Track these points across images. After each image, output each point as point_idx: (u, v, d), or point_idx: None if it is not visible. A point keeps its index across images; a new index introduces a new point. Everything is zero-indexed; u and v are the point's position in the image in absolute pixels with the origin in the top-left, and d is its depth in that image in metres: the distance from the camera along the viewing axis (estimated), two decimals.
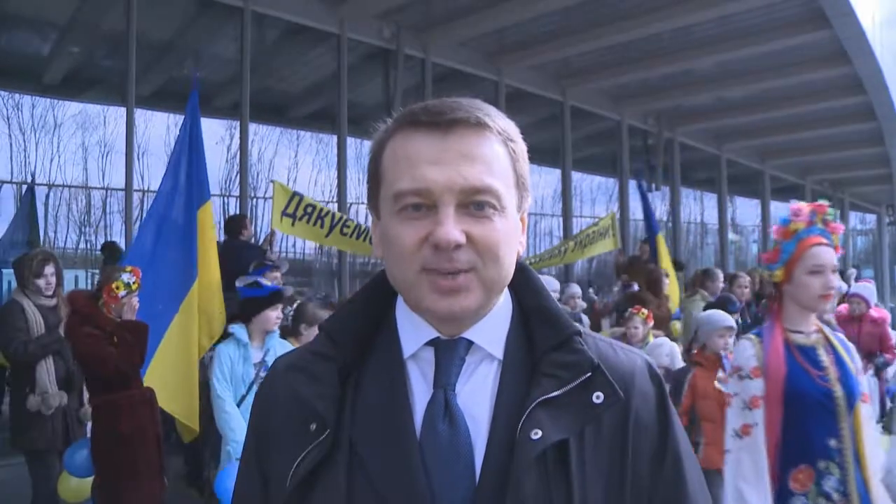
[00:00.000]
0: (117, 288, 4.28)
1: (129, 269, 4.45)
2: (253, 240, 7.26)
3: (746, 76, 11.20)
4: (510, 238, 0.97)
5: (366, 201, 1.06)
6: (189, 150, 5.22)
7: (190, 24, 8.69)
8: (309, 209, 6.55)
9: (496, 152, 0.96)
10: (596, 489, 0.93)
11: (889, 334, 6.79)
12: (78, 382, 4.78)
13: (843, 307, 6.92)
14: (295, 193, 6.56)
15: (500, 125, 0.98)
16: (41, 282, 4.74)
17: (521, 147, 1.01)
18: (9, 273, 8.19)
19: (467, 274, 0.93)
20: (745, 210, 17.88)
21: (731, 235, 16.57)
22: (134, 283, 4.34)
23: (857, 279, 9.81)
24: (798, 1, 8.71)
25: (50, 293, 4.80)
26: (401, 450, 0.93)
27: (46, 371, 4.61)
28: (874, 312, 6.83)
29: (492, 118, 0.97)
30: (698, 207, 16.34)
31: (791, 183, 18.65)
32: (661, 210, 14.73)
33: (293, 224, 6.48)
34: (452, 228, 0.91)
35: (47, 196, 8.42)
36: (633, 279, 8.69)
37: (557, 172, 12.04)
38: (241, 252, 6.52)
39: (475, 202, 0.93)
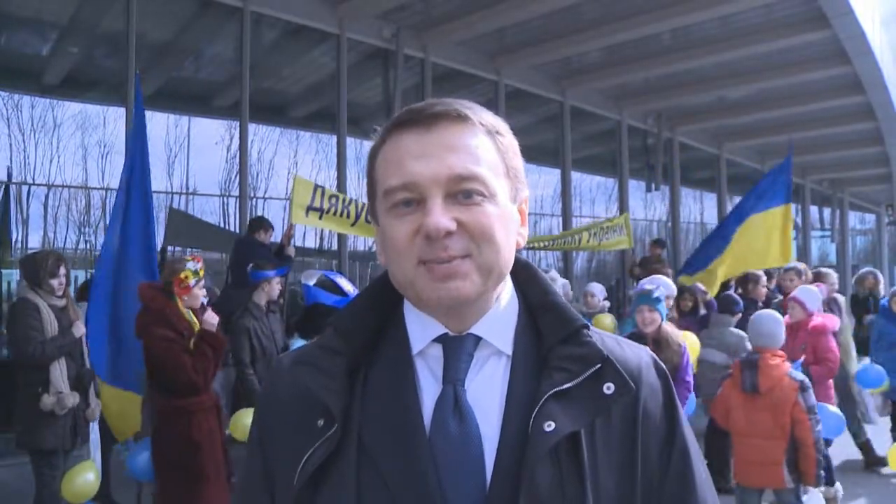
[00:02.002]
0: (186, 278, 4.26)
1: (190, 257, 4.46)
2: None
3: (746, 76, 11.22)
4: (504, 223, 0.97)
5: (367, 209, 1.07)
6: (140, 151, 5.22)
7: (189, 25, 8.69)
8: (333, 200, 6.53)
9: (480, 142, 0.97)
10: (608, 480, 0.94)
11: (827, 345, 5.54)
12: (86, 383, 4.79)
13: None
14: (317, 186, 6.50)
15: (483, 118, 0.99)
16: (55, 282, 4.74)
17: (510, 140, 1.02)
18: (8, 273, 8.22)
19: (463, 260, 0.94)
20: None
21: None
22: (200, 269, 4.35)
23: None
24: (797, 1, 8.72)
25: (61, 293, 4.80)
26: (411, 446, 0.93)
27: (60, 371, 4.59)
28: (818, 319, 5.68)
29: (474, 112, 0.99)
30: (698, 207, 16.37)
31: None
32: (660, 210, 14.74)
33: (321, 217, 6.43)
34: (440, 216, 0.92)
35: (47, 196, 8.42)
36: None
37: (557, 172, 12.05)
38: (252, 248, 6.56)
39: (463, 191, 0.94)
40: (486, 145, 0.98)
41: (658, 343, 4.65)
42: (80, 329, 4.73)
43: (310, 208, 6.34)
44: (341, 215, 6.57)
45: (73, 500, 4.46)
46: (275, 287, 5.59)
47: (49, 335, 4.59)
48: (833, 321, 5.91)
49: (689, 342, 5.31)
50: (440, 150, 0.94)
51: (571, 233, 9.35)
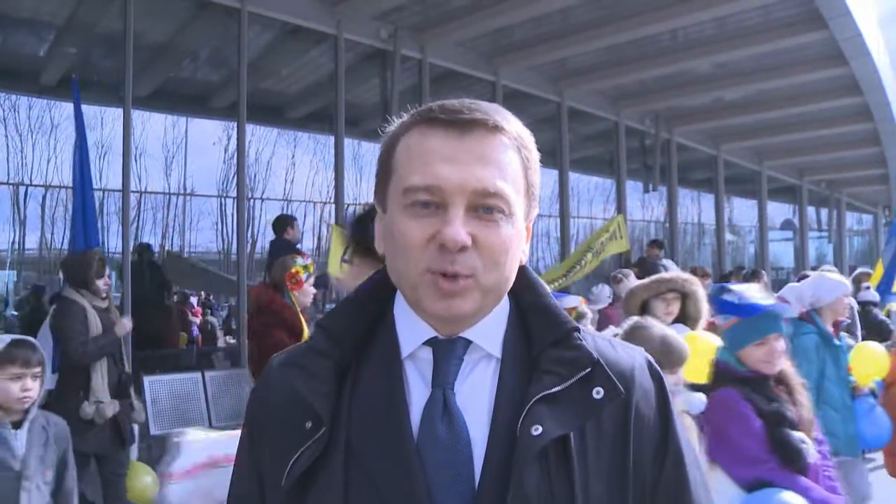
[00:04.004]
0: (297, 273, 4.36)
1: (299, 254, 4.54)
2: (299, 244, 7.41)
3: (743, 77, 11.22)
4: (514, 245, 0.97)
5: (372, 194, 1.06)
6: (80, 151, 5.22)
7: (187, 25, 8.68)
8: None
9: (510, 158, 0.97)
10: (598, 484, 0.93)
11: None
12: (127, 386, 4.73)
13: None
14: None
15: (515, 131, 0.99)
16: (101, 283, 4.73)
17: (535, 156, 1.01)
18: (4, 275, 8.21)
19: (466, 279, 0.93)
20: (743, 210, 17.91)
21: (728, 236, 16.58)
22: (310, 265, 4.48)
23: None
24: (795, 2, 8.73)
25: (104, 295, 4.78)
26: (399, 450, 0.93)
27: (101, 377, 4.51)
28: None
29: (509, 123, 0.98)
30: (695, 208, 16.37)
31: (788, 183, 18.68)
32: (657, 210, 14.75)
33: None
34: (460, 229, 0.91)
35: (44, 197, 8.41)
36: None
37: (555, 173, 12.04)
38: (283, 251, 6.59)
39: (484, 205, 0.93)
40: (514, 161, 0.97)
41: (784, 387, 2.83)
42: (123, 327, 4.72)
43: (342, 260, 6.36)
44: None
45: (136, 501, 4.54)
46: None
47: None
48: None
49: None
50: (470, 159, 0.93)
51: (575, 259, 9.24)
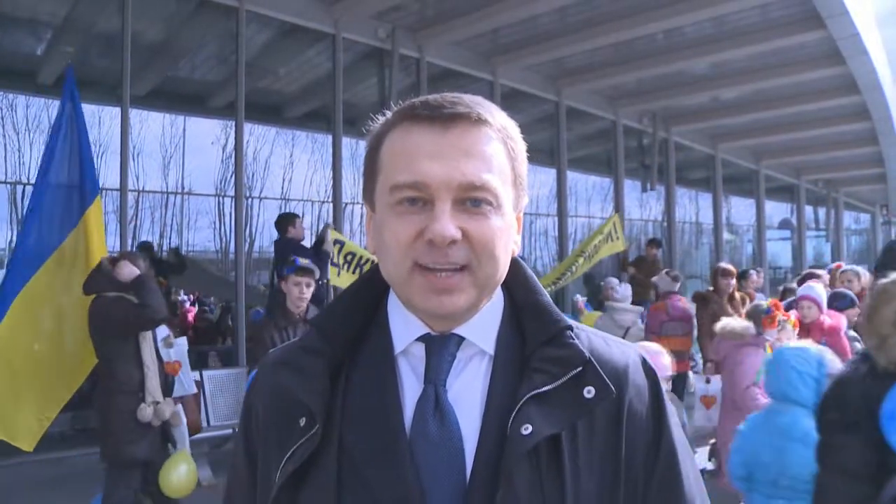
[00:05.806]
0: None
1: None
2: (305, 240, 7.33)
3: (741, 76, 11.23)
4: (506, 236, 0.96)
5: (361, 195, 1.05)
6: (72, 140, 5.11)
7: (185, 24, 8.68)
8: (349, 257, 6.44)
9: (495, 149, 0.96)
10: (589, 483, 0.93)
11: (843, 344, 5.22)
12: (171, 388, 4.65)
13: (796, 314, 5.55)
14: (335, 241, 6.42)
15: (499, 122, 0.98)
16: None
17: (521, 146, 1.01)
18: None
19: (461, 273, 0.93)
20: (740, 210, 17.93)
21: (726, 235, 16.60)
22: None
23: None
24: (792, 1, 8.73)
25: None
26: (391, 447, 0.93)
27: (154, 377, 4.38)
28: (827, 319, 5.50)
29: (492, 115, 0.97)
30: (693, 207, 16.37)
31: (786, 183, 18.70)
32: (655, 210, 14.76)
33: (339, 274, 6.34)
34: (448, 224, 0.90)
35: None
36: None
37: (553, 172, 12.05)
38: (287, 250, 6.54)
39: (472, 198, 0.93)
40: (499, 152, 0.96)
41: None
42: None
43: (331, 263, 6.29)
44: (354, 273, 6.36)
45: (173, 495, 4.44)
46: (292, 288, 4.72)
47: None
48: (842, 320, 5.72)
49: None
50: (455, 153, 0.93)
51: (567, 264, 9.23)
